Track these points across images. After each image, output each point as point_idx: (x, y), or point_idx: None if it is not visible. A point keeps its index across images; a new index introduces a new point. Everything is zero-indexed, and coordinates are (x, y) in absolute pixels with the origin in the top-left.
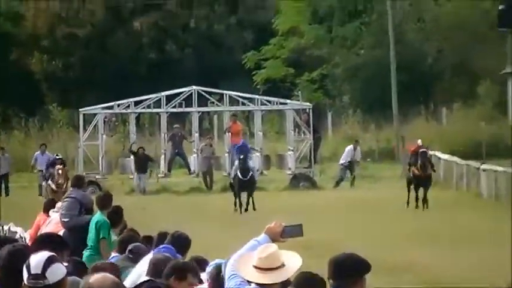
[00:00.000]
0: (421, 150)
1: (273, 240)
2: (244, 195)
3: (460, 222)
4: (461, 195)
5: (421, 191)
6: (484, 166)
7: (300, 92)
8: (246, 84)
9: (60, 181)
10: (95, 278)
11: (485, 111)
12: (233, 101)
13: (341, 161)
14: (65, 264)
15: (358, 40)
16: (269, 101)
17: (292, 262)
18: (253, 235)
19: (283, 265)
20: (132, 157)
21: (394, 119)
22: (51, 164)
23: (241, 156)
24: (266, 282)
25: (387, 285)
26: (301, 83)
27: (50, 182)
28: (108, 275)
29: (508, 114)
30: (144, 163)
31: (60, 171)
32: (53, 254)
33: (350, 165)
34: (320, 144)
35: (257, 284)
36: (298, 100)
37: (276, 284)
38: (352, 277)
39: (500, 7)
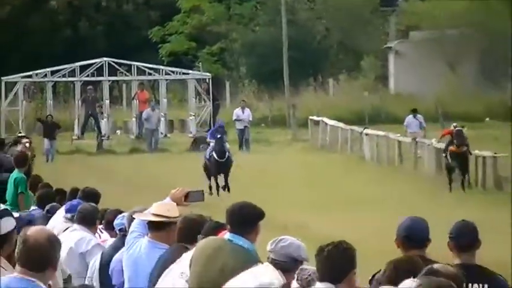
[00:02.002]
0: (456, 129)
1: (177, 204)
2: (220, 178)
3: (345, 185)
4: (345, 158)
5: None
6: (366, 131)
7: (200, 63)
8: (152, 57)
9: (29, 154)
10: (31, 230)
11: (367, 82)
12: (140, 72)
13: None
14: None
15: (254, 18)
16: (173, 72)
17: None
18: (157, 198)
19: (179, 215)
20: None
21: (286, 89)
22: (15, 142)
23: (218, 136)
24: (163, 219)
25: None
26: (202, 56)
27: None
28: (44, 228)
29: (389, 85)
30: (52, 130)
31: (27, 145)
32: (5, 208)
33: (246, 129)
34: (218, 111)
35: (152, 228)
36: (199, 71)
37: (171, 224)
38: (249, 223)
39: None
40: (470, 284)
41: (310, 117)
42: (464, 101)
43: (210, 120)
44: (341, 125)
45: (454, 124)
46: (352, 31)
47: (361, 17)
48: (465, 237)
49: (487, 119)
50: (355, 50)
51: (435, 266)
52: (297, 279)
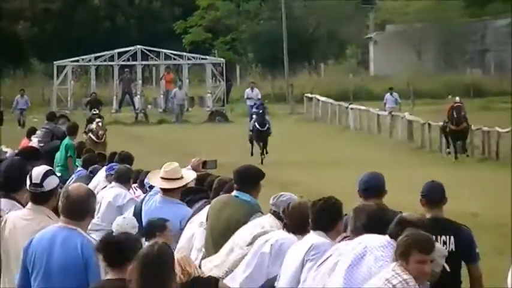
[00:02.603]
0: (456, 105)
1: (196, 171)
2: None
3: (333, 149)
4: (334, 128)
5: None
6: (351, 106)
7: (216, 51)
8: (176, 45)
9: (100, 132)
10: (72, 186)
11: (351, 66)
12: (167, 57)
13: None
14: None
15: (258, 13)
16: (193, 57)
17: (189, 175)
18: (181, 160)
19: (182, 177)
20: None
21: (285, 72)
22: (89, 120)
23: (260, 112)
24: (169, 187)
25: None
26: (217, 44)
27: (90, 134)
28: (82, 184)
29: (369, 68)
30: (96, 106)
31: (100, 124)
32: (50, 168)
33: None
34: (231, 89)
35: (162, 189)
36: (215, 57)
37: (177, 188)
38: (252, 182)
39: None
40: (439, 236)
41: (305, 94)
42: (429, 82)
43: (223, 97)
44: (330, 100)
45: (457, 99)
46: (338, 24)
47: (345, 13)
48: (434, 195)
49: (449, 96)
50: (341, 40)
51: (404, 214)
52: (273, 205)
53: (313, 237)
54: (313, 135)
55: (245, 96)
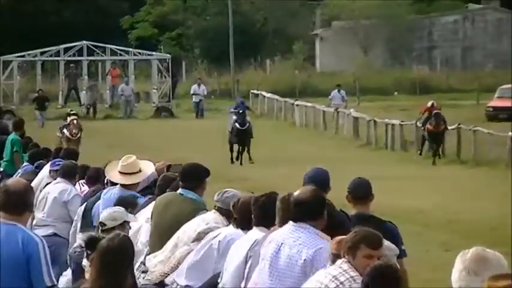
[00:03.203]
0: (435, 111)
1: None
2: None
3: (279, 145)
4: (280, 124)
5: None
6: (297, 102)
7: (162, 46)
8: (123, 40)
9: (74, 131)
10: (10, 181)
11: (298, 63)
12: (113, 53)
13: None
14: None
15: (205, 9)
16: (139, 53)
17: (147, 168)
18: (128, 153)
19: (140, 170)
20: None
21: (231, 68)
22: (65, 118)
23: (240, 111)
24: (127, 183)
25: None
26: (163, 40)
27: (65, 131)
28: (21, 179)
29: (315, 65)
30: (43, 102)
31: (75, 122)
32: None
33: (201, 101)
34: (177, 85)
35: (120, 184)
36: (161, 52)
37: (134, 184)
38: (197, 180)
39: None
40: None
41: (251, 90)
42: (376, 78)
43: (169, 93)
44: (276, 97)
45: (432, 102)
46: (285, 21)
47: (292, 9)
48: (360, 191)
49: (395, 93)
50: (288, 36)
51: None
52: (217, 201)
53: (257, 233)
54: (260, 131)
55: (191, 92)
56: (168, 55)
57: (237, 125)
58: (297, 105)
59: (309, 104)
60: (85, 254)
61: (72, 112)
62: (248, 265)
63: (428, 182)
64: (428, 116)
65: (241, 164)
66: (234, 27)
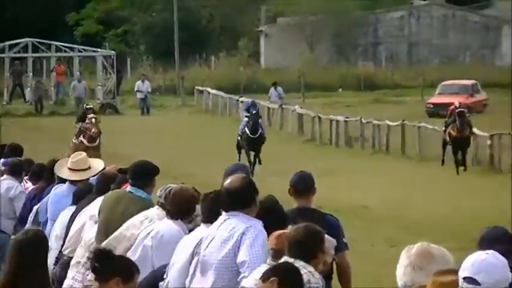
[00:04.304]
0: (458, 110)
1: None
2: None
3: (224, 142)
4: (224, 120)
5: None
6: (241, 99)
7: (107, 43)
8: (68, 37)
9: (94, 130)
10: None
11: (243, 59)
12: (58, 50)
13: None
14: None
15: (151, 5)
16: (84, 49)
17: (97, 165)
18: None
19: (89, 167)
20: None
21: (176, 64)
22: (81, 117)
23: (254, 112)
24: (76, 179)
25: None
26: (108, 37)
27: (81, 138)
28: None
29: (260, 61)
30: None
31: (93, 120)
32: None
33: (146, 98)
34: (121, 82)
35: (69, 180)
36: (106, 49)
37: (83, 180)
38: (146, 177)
39: None
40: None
41: (196, 87)
42: (321, 74)
43: (114, 90)
44: (221, 93)
45: (457, 103)
46: (231, 17)
47: (237, 6)
48: (301, 185)
49: (340, 89)
50: (233, 33)
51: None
52: (160, 196)
53: (204, 230)
54: (205, 127)
55: (136, 89)
56: (112, 51)
57: (247, 131)
58: (242, 101)
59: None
60: (90, 265)
61: (88, 107)
62: (194, 262)
63: (374, 178)
64: (453, 119)
65: (252, 175)
66: (179, 23)
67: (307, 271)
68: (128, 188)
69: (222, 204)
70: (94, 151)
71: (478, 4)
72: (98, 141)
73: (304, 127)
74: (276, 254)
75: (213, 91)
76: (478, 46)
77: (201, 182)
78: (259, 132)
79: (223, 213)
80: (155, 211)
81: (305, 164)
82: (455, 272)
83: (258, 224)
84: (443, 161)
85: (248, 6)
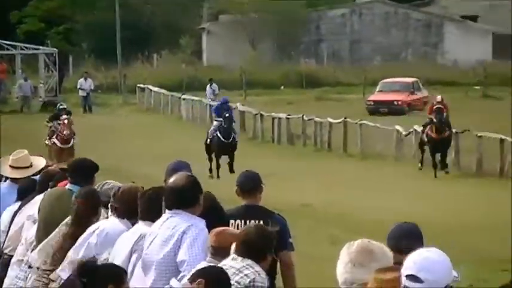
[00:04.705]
0: (435, 106)
1: None
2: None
3: (167, 139)
4: (167, 118)
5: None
6: (184, 96)
7: (49, 41)
8: (10, 35)
9: (66, 132)
10: None
11: (185, 57)
12: (0, 48)
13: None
14: None
15: (93, 3)
16: (26, 47)
17: (39, 163)
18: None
19: (31, 165)
20: None
21: (118, 62)
22: (53, 117)
23: (226, 115)
24: (17, 177)
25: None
26: (50, 35)
27: (54, 139)
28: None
29: (202, 59)
30: None
31: (66, 121)
32: None
33: (88, 96)
34: (63, 80)
35: (11, 178)
36: (48, 47)
37: (24, 178)
38: (86, 175)
39: None
40: (248, 221)
41: (138, 84)
42: (263, 72)
43: (56, 87)
44: (163, 91)
45: (439, 97)
46: (173, 15)
47: (180, 3)
48: (248, 184)
49: (282, 87)
50: (175, 30)
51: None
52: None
53: (142, 227)
54: (148, 126)
55: (78, 87)
56: (55, 49)
57: (219, 134)
58: (184, 99)
59: (196, 98)
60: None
61: (61, 107)
62: (133, 259)
63: (316, 176)
64: (431, 118)
65: (218, 177)
66: (121, 21)
67: (254, 270)
68: (68, 185)
69: (166, 202)
70: (68, 152)
71: (420, 1)
72: (71, 142)
73: (246, 125)
74: (216, 251)
75: (155, 89)
76: (420, 43)
77: (139, 180)
78: (231, 137)
79: (167, 211)
80: None
81: (247, 162)
82: (397, 269)
83: (200, 223)
84: (421, 163)
85: (190, 3)
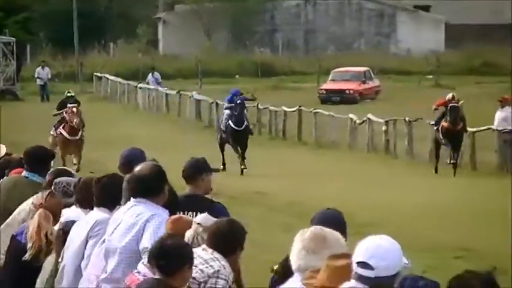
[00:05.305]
0: (451, 104)
1: None
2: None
3: (124, 127)
4: (123, 107)
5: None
6: (140, 85)
7: (7, 30)
8: None
9: (75, 120)
10: None
11: (141, 46)
12: None
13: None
14: None
15: None
16: None
17: None
18: None
19: None
20: None
21: (75, 51)
22: (60, 105)
23: (238, 102)
24: None
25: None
26: (9, 24)
27: (61, 130)
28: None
29: (158, 48)
30: None
31: (74, 110)
32: None
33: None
34: (21, 68)
35: None
36: (6, 36)
37: None
38: (42, 162)
39: None
40: (191, 212)
41: (95, 73)
42: (219, 61)
43: (14, 76)
44: (119, 80)
45: (450, 95)
46: (129, 4)
47: None
48: (191, 171)
49: (237, 76)
50: (132, 20)
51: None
52: (54, 190)
53: (97, 214)
54: (105, 114)
55: (35, 75)
56: (12, 38)
57: (231, 123)
58: (140, 88)
59: (152, 87)
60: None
61: (69, 94)
62: (89, 245)
63: (271, 165)
64: (445, 112)
65: (242, 173)
66: (78, 10)
67: (220, 264)
68: (24, 173)
69: (131, 190)
70: (76, 144)
71: None
72: (79, 134)
73: (202, 113)
74: None
75: (112, 77)
76: (374, 33)
77: (102, 169)
78: (244, 125)
79: (131, 199)
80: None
81: (202, 151)
82: (348, 256)
83: (163, 213)
84: (436, 169)
85: None
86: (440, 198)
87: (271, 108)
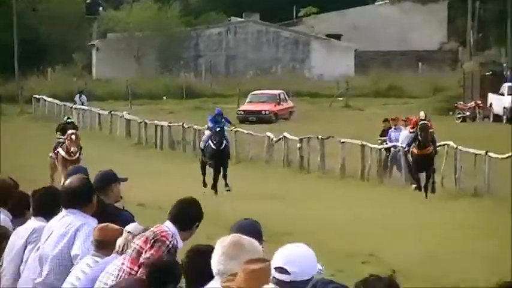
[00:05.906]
0: (421, 123)
1: None
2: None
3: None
4: None
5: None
6: (75, 106)
7: None
8: None
9: (72, 149)
10: None
11: (77, 70)
12: None
13: None
14: None
15: None
16: None
17: None
18: None
19: None
20: None
21: (16, 76)
22: (60, 129)
23: (218, 129)
24: None
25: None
26: None
27: (59, 150)
28: None
29: (92, 72)
30: None
31: (73, 136)
32: None
33: None
34: None
35: None
36: None
37: None
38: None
39: (88, 0)
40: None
41: (34, 95)
42: (147, 84)
43: None
44: (56, 101)
45: (422, 113)
46: (66, 33)
47: (72, 23)
48: (100, 182)
49: (164, 97)
50: (68, 47)
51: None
52: None
53: (34, 222)
54: (43, 132)
55: None
56: None
57: (211, 143)
58: (75, 108)
59: (86, 107)
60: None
61: (69, 121)
62: (27, 250)
63: (194, 178)
64: (416, 134)
65: (216, 192)
66: (19, 39)
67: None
68: None
69: (62, 202)
70: (74, 164)
71: (289, 21)
72: (77, 155)
73: (132, 132)
74: (99, 244)
75: (49, 99)
76: (289, 59)
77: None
78: (224, 145)
79: (63, 209)
80: None
81: (133, 167)
82: (264, 260)
83: (93, 222)
84: (421, 188)
85: (81, 22)
86: (349, 208)
87: (195, 127)
